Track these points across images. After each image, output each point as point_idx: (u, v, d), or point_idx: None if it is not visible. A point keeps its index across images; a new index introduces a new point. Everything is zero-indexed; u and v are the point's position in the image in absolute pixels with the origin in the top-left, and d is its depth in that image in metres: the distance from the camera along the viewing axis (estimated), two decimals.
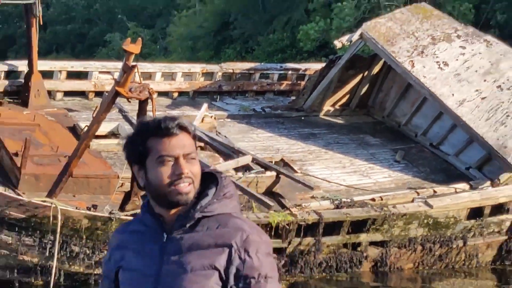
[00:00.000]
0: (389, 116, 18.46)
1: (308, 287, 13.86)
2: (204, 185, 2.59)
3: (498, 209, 14.65)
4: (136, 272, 2.56)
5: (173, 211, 2.54)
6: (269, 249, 2.57)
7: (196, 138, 2.68)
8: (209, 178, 2.67)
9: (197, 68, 19.85)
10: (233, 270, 2.40)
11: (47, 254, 12.30)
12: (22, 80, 17.00)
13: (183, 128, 2.53)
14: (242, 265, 2.40)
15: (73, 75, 18.27)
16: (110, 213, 12.28)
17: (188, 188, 2.46)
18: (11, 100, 16.44)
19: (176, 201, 2.46)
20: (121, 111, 14.87)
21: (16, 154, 12.80)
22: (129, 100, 12.50)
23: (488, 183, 14.85)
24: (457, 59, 16.82)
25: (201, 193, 2.57)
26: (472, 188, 14.75)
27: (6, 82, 17.07)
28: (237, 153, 14.92)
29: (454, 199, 14.25)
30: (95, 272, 12.90)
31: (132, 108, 13.79)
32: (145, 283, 2.52)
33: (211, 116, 17.13)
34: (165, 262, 2.50)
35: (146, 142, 2.48)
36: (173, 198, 2.44)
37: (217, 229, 2.50)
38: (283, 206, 13.39)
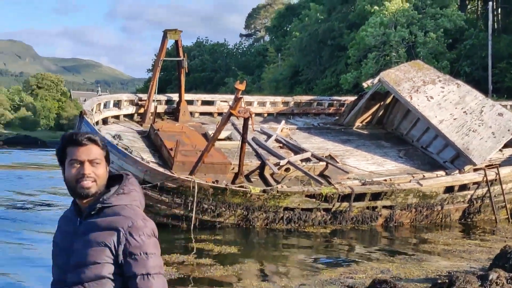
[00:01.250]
0: (396, 129, 21.13)
1: (344, 233, 16.28)
2: (115, 183, 3.12)
3: (462, 187, 17.61)
4: (58, 247, 3.13)
5: (85, 201, 3.05)
6: (152, 232, 3.00)
7: (105, 148, 3.12)
8: (120, 178, 3.18)
9: (278, 99, 22.40)
10: (121, 248, 2.87)
11: (188, 209, 15.45)
12: (175, 105, 19.83)
13: (92, 140, 3.06)
14: (128, 245, 2.87)
15: (204, 103, 21.02)
16: (226, 185, 15.49)
17: (90, 184, 2.98)
18: (169, 117, 19.60)
19: (80, 194, 2.99)
20: (233, 124, 17.99)
21: (171, 149, 16.09)
22: (238, 117, 16.19)
23: (457, 171, 17.91)
24: (438, 95, 19.47)
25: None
26: (447, 174, 17.86)
27: (166, 106, 20.01)
28: (302, 150, 18.06)
29: (436, 181, 17.45)
30: (218, 220, 16.02)
31: (239, 123, 17.03)
32: (61, 255, 3.06)
33: (287, 128, 19.98)
34: (75, 240, 3.01)
35: (65, 149, 3.04)
36: (79, 191, 2.97)
37: (112, 217, 2.97)
38: (329, 183, 16.55)
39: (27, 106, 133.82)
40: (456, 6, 46.28)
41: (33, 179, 32.71)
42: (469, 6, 58.53)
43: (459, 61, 42.34)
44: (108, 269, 2.88)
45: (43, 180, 31.76)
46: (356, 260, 12.94)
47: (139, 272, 2.85)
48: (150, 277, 2.86)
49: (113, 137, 16.55)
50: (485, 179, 17.48)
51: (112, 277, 2.90)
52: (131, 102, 19.55)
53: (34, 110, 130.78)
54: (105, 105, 18.75)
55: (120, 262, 2.88)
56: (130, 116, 19.27)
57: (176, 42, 19.15)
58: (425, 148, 19.74)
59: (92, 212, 2.98)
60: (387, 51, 42.40)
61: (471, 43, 43.32)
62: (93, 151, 3.00)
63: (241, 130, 16.19)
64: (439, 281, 9.67)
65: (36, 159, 53.29)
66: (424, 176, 17.70)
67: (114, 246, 2.88)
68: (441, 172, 18.06)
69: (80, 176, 2.94)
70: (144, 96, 19.64)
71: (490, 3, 44.02)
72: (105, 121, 18.34)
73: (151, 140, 17.78)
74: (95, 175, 2.97)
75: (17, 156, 56.53)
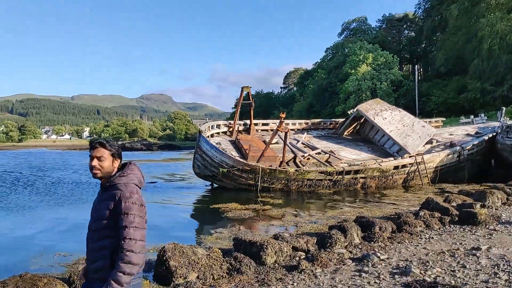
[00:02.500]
0: (366, 136, 20.39)
1: (340, 193, 15.63)
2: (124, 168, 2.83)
3: (403, 166, 17.26)
4: (92, 206, 2.88)
5: (102, 181, 2.81)
6: (135, 201, 2.68)
7: (112, 149, 2.80)
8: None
9: (302, 121, 21.94)
10: (115, 209, 2.64)
11: (256, 180, 15.27)
12: (248, 126, 19.30)
13: (101, 144, 2.78)
14: (118, 207, 2.63)
15: (263, 124, 20.61)
16: (275, 168, 15.47)
17: (95, 171, 2.75)
18: (244, 132, 19.09)
19: (93, 176, 2.77)
20: (279, 135, 17.32)
21: (247, 149, 16.15)
22: (281, 132, 15.80)
23: (400, 158, 17.46)
24: (389, 116, 19.21)
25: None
26: (394, 159, 17.44)
27: (243, 126, 19.38)
28: (316, 148, 17.92)
29: (389, 162, 17.05)
30: (271, 186, 15.62)
31: (282, 135, 16.50)
32: (92, 212, 2.83)
33: (307, 137, 19.61)
34: (97, 203, 2.81)
35: (90, 148, 2.82)
36: (92, 175, 2.78)
37: (114, 190, 2.70)
38: (331, 165, 16.48)
39: (170, 128, 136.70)
40: (397, 67, 46.03)
41: (173, 166, 33.29)
42: (404, 68, 58.04)
43: (399, 98, 42.47)
44: (109, 222, 2.69)
45: (178, 166, 32.29)
46: (346, 206, 12.83)
47: (122, 225, 2.63)
48: (127, 229, 2.62)
49: (217, 143, 16.40)
50: (415, 161, 17.25)
51: (111, 227, 2.69)
52: (225, 125, 19.45)
53: (173, 130, 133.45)
54: (212, 127, 18.75)
55: (115, 217, 2.67)
56: (224, 133, 19.09)
57: (248, 92, 19.10)
58: (382, 145, 19.31)
59: (105, 188, 2.81)
60: (360, 94, 42.42)
61: (406, 88, 43.40)
62: (100, 151, 2.79)
63: (283, 138, 16.06)
64: (392, 216, 9.76)
65: (174, 156, 54.54)
66: (382, 160, 17.28)
67: (112, 207, 2.69)
68: (391, 158, 17.66)
69: (91, 166, 2.78)
70: (231, 122, 19.57)
71: (416, 66, 44.12)
72: (212, 135, 18.21)
73: (236, 145, 17.63)
74: (100, 166, 2.77)
75: (165, 155, 57.81)
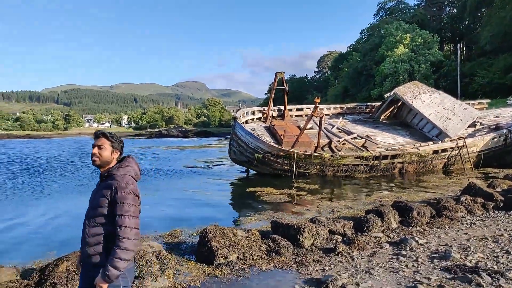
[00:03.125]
0: (403, 120, 19.96)
1: (376, 178, 15.50)
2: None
3: (444, 150, 16.84)
4: (91, 195, 2.99)
5: (101, 170, 2.93)
6: (130, 191, 2.78)
7: (111, 139, 2.92)
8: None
9: (337, 105, 21.58)
10: (112, 199, 2.76)
11: (291, 166, 15.29)
12: (282, 111, 19.22)
13: (103, 135, 2.91)
14: (115, 196, 2.74)
15: (297, 109, 20.37)
16: (310, 153, 15.42)
17: (94, 158, 2.88)
18: (279, 118, 18.97)
19: (93, 164, 2.89)
20: (313, 121, 17.26)
21: (281, 135, 16.12)
22: (316, 117, 15.48)
23: (440, 142, 17.04)
24: (428, 99, 18.66)
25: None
26: (434, 143, 17.02)
27: (277, 112, 19.26)
28: (351, 133, 17.71)
29: (428, 147, 16.70)
30: (307, 171, 15.61)
31: (317, 120, 16.14)
32: (90, 199, 2.93)
33: (343, 121, 19.42)
34: (95, 192, 2.92)
35: (95, 139, 2.93)
36: (92, 163, 2.90)
37: (110, 180, 2.81)
38: (367, 150, 16.34)
39: (204, 115, 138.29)
40: (437, 47, 44.00)
41: (209, 152, 33.66)
42: (445, 47, 55.51)
43: (439, 79, 40.77)
44: (105, 210, 2.81)
45: (214, 152, 32.61)
46: (383, 191, 12.70)
47: (118, 213, 2.76)
48: (123, 217, 2.75)
49: (251, 129, 16.45)
50: (457, 145, 16.76)
51: (107, 215, 2.81)
52: (260, 111, 19.43)
53: (208, 117, 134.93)
54: (247, 113, 18.77)
55: (112, 206, 2.79)
56: (259, 119, 19.09)
57: (281, 78, 18.94)
58: (421, 129, 18.84)
59: (103, 177, 2.93)
60: (397, 76, 41.22)
61: (447, 69, 41.55)
62: (102, 141, 2.92)
63: (318, 123, 15.97)
64: (431, 201, 9.62)
65: (209, 142, 55.20)
66: (421, 144, 16.88)
67: (109, 196, 2.80)
68: (431, 142, 17.22)
69: (91, 154, 2.91)
70: (266, 108, 19.55)
71: (458, 44, 42.09)
72: (247, 121, 18.28)
73: (270, 130, 17.60)
74: (99, 155, 2.90)
75: (201, 141, 58.63)
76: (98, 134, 2.96)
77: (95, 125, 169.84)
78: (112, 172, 2.89)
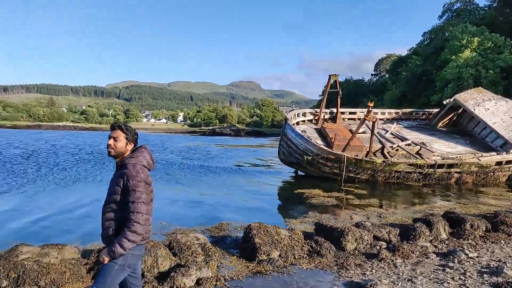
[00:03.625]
0: (464, 128, 19.21)
1: (430, 187, 14.97)
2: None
3: (509, 162, 16.02)
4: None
5: (116, 160, 3.07)
6: (141, 179, 2.93)
7: (125, 131, 3.05)
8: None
9: (392, 110, 20.99)
10: (124, 186, 2.92)
11: (341, 170, 14.98)
12: (334, 114, 18.92)
13: (119, 127, 3.03)
14: (128, 185, 2.90)
15: (351, 113, 19.95)
16: (362, 158, 15.09)
17: (109, 150, 3.02)
18: (330, 121, 18.84)
19: (108, 155, 3.04)
20: (366, 125, 16.79)
21: (332, 138, 15.94)
22: (369, 121, 15.21)
23: (505, 153, 16.20)
24: (492, 107, 17.90)
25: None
26: (497, 154, 16.21)
27: (329, 115, 19.07)
28: (406, 139, 17.16)
29: (490, 157, 15.89)
30: (357, 176, 15.31)
31: (370, 124, 15.79)
32: (109, 187, 3.06)
33: (397, 127, 18.92)
34: (112, 179, 3.07)
35: (111, 131, 3.06)
36: (107, 153, 3.05)
37: (124, 169, 2.96)
38: (422, 158, 15.69)
39: (257, 115, 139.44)
40: (508, 52, 41.03)
41: (259, 151, 34.06)
42: None
43: (510, 86, 38.06)
44: (118, 197, 2.99)
45: (264, 152, 32.88)
46: (435, 201, 12.27)
47: (130, 200, 2.92)
48: (135, 203, 2.92)
49: (302, 131, 16.42)
50: None
51: (119, 201, 2.98)
52: (311, 113, 19.34)
53: (261, 117, 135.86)
54: (298, 115, 18.75)
55: (124, 193, 2.96)
56: (310, 121, 19.00)
57: (335, 81, 18.72)
58: (483, 139, 17.93)
59: (118, 166, 3.09)
60: (461, 82, 39.13)
61: None
62: (117, 133, 3.07)
63: (370, 128, 15.69)
64: (488, 214, 9.17)
65: (260, 142, 55.62)
66: (482, 155, 16.06)
67: (121, 185, 2.97)
68: (494, 153, 16.34)
69: (107, 145, 3.07)
70: (318, 110, 19.41)
71: None
72: (298, 123, 18.25)
73: (321, 133, 17.50)
74: (114, 146, 3.05)
75: (252, 141, 59.23)
76: (114, 126, 3.11)
77: (152, 120, 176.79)
78: (125, 161, 3.05)
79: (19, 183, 13.40)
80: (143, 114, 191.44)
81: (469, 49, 41.01)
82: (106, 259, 2.95)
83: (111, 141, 3.05)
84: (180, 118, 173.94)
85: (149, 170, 3.11)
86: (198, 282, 4.99)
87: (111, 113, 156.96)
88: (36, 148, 29.64)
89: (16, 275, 4.66)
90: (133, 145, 3.14)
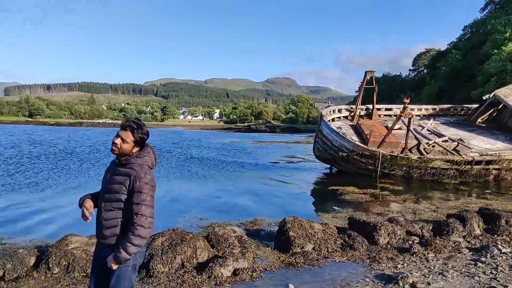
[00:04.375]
0: (504, 124, 18.74)
1: (467, 184, 14.68)
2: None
3: None
4: (104, 178, 3.05)
5: (120, 157, 2.97)
6: (148, 181, 2.89)
7: (135, 134, 2.93)
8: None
9: (429, 106, 20.73)
10: (131, 187, 2.86)
11: (376, 166, 14.87)
12: (370, 111, 18.88)
13: (130, 128, 2.93)
14: (134, 186, 2.84)
15: (387, 109, 19.97)
16: (397, 154, 14.90)
17: (114, 148, 2.93)
18: (366, 117, 18.69)
19: (112, 151, 2.96)
20: (402, 121, 17.02)
21: (368, 134, 16.01)
22: (405, 117, 15.06)
23: None
24: None
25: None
26: None
27: (365, 111, 19.14)
28: (443, 136, 16.97)
29: None
30: (392, 173, 15.20)
31: (406, 120, 16.23)
32: (105, 182, 3.01)
33: (434, 123, 18.72)
34: (109, 176, 3.00)
35: (121, 129, 2.95)
36: (111, 150, 2.96)
37: (129, 169, 2.90)
38: (459, 154, 15.47)
39: (292, 111, 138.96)
40: None
41: (295, 148, 34.05)
42: None
43: None
44: (123, 197, 2.91)
45: (300, 149, 32.88)
46: (471, 198, 12.04)
47: (135, 201, 2.85)
48: (140, 205, 2.85)
49: (337, 128, 16.46)
50: None
51: (124, 202, 2.92)
52: (347, 109, 19.30)
53: (296, 113, 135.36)
54: (333, 111, 18.73)
55: (129, 194, 2.89)
56: (345, 117, 18.98)
57: (371, 77, 18.57)
58: None
59: (121, 164, 2.97)
60: (504, 76, 37.52)
61: None
62: (127, 134, 2.94)
63: (406, 124, 15.52)
64: None
65: (295, 138, 55.54)
66: None
67: (127, 185, 2.88)
68: None
69: (113, 143, 2.93)
70: (353, 106, 19.36)
71: None
72: (333, 119, 18.25)
73: (356, 129, 17.47)
74: (120, 146, 2.92)
75: (287, 137, 59.20)
76: (125, 127, 2.98)
77: (189, 117, 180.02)
78: (131, 161, 2.96)
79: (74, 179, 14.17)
80: (180, 111, 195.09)
81: None
82: (114, 266, 2.91)
83: (118, 141, 2.95)
84: (216, 115, 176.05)
85: (151, 169, 3.08)
86: (235, 272, 5.18)
87: (149, 110, 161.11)
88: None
89: (66, 263, 4.99)
90: (138, 148, 3.04)
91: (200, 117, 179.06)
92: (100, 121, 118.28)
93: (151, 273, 5.07)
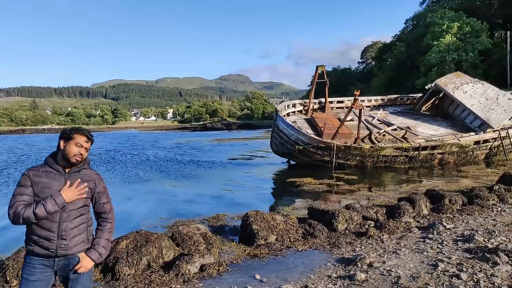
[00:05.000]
0: (445, 111, 19.71)
1: (416, 169, 15.54)
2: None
3: (486, 141, 16.76)
4: (51, 189, 2.75)
5: (70, 166, 2.86)
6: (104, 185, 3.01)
7: (90, 138, 2.93)
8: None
9: (378, 97, 21.41)
10: (95, 190, 2.95)
11: (331, 157, 15.28)
12: (323, 104, 19.36)
13: (92, 140, 2.94)
14: (100, 188, 2.96)
15: (338, 102, 20.38)
16: (350, 145, 15.42)
17: (78, 159, 2.85)
18: (319, 111, 19.22)
19: (74, 163, 2.83)
20: (353, 113, 17.30)
21: (322, 127, 16.38)
22: (356, 109, 15.46)
23: (482, 132, 16.88)
24: (470, 90, 18.47)
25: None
26: (476, 134, 16.91)
27: (318, 105, 19.50)
28: (392, 125, 17.74)
29: (469, 138, 16.57)
30: (346, 163, 15.78)
31: (357, 112, 16.46)
32: (52, 190, 2.76)
33: (383, 113, 19.46)
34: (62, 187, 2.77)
35: (73, 134, 2.85)
36: (73, 161, 2.82)
37: (88, 175, 2.93)
38: (407, 141, 16.23)
39: (247, 107, 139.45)
40: (485, 35, 42.00)
41: (252, 144, 34.23)
42: (496, 35, 52.78)
43: (488, 69, 39.02)
44: (88, 201, 2.97)
45: (257, 144, 33.08)
46: (420, 180, 12.83)
47: (106, 201, 3.01)
48: (109, 204, 3.02)
49: (292, 122, 16.75)
50: (499, 136, 16.50)
51: (87, 205, 2.98)
52: (301, 104, 19.67)
53: (251, 109, 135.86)
54: (288, 106, 19.05)
55: (94, 196, 2.97)
56: (300, 111, 19.33)
57: (322, 71, 19.04)
58: (463, 120, 18.60)
59: (72, 172, 2.89)
60: (444, 66, 39.96)
61: (496, 57, 39.71)
62: (89, 145, 2.95)
63: (358, 115, 16.03)
64: (465, 190, 9.76)
65: (252, 134, 55.82)
66: (462, 135, 16.71)
67: (92, 189, 2.96)
68: (472, 133, 17.02)
69: (79, 154, 2.86)
70: (307, 101, 19.75)
71: (509, 32, 40.01)
72: (288, 114, 18.59)
73: (311, 123, 17.86)
74: (83, 157, 2.91)
75: (244, 134, 59.39)
76: (91, 139, 2.99)
77: (142, 118, 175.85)
78: (84, 166, 2.99)
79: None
80: (132, 112, 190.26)
81: (450, 34, 41.78)
82: (91, 265, 3.01)
83: (83, 151, 2.92)
84: (170, 115, 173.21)
85: None
86: (202, 268, 5.29)
87: (98, 113, 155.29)
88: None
89: None
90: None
91: (153, 118, 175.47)
92: (46, 127, 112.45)
93: (117, 276, 5.07)
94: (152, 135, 64.34)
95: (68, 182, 2.85)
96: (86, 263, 2.89)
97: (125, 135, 65.03)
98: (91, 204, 3.00)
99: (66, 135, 2.89)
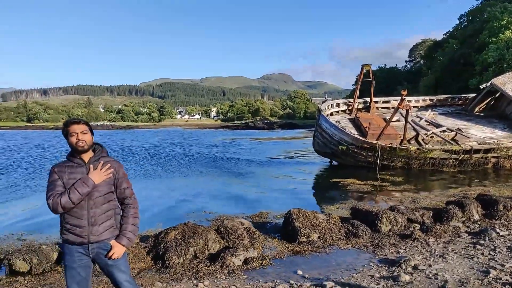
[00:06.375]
0: (502, 112, 18.76)
1: (466, 172, 14.95)
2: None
3: None
4: (76, 179, 2.93)
5: (86, 155, 3.02)
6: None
7: (89, 125, 3.03)
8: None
9: (427, 97, 20.74)
10: (117, 176, 3.09)
11: (375, 158, 15.13)
12: (368, 104, 19.16)
13: (83, 122, 3.00)
14: (120, 174, 3.10)
15: (384, 102, 20.02)
16: (396, 146, 15.12)
17: (82, 144, 2.94)
18: (364, 110, 18.94)
19: (81, 150, 2.95)
20: (400, 113, 17.10)
21: (366, 127, 16.13)
22: (403, 109, 15.19)
23: None
24: None
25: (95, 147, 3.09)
26: None
27: (363, 104, 19.33)
28: (441, 126, 17.18)
29: None
30: (391, 164, 15.48)
31: (404, 112, 16.17)
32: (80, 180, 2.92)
33: (432, 114, 18.86)
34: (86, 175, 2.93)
35: (65, 128, 2.97)
36: (79, 149, 2.94)
37: (105, 162, 3.04)
38: (457, 143, 15.75)
39: (290, 107, 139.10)
40: None
41: (294, 144, 34.30)
42: None
43: None
44: (112, 188, 3.09)
45: (299, 144, 33.12)
46: (470, 186, 12.33)
47: (127, 186, 3.13)
48: (130, 189, 3.14)
49: (336, 121, 16.63)
50: None
51: (113, 191, 3.10)
52: (345, 103, 19.49)
53: (293, 109, 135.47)
54: (331, 106, 18.91)
55: (116, 182, 3.09)
56: (344, 111, 19.16)
57: (368, 70, 18.75)
58: None
59: (95, 160, 3.05)
60: (502, 64, 37.76)
61: None
62: (83, 127, 2.99)
63: (404, 116, 15.68)
64: None
65: (294, 134, 55.73)
66: None
67: (114, 175, 3.09)
68: None
69: (78, 141, 2.96)
70: (351, 100, 19.53)
71: None
72: (331, 114, 18.45)
73: (355, 123, 17.66)
74: (85, 139, 2.98)
75: (286, 133, 59.41)
76: (79, 121, 3.06)
77: (186, 116, 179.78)
78: (102, 155, 3.13)
79: None
80: (177, 110, 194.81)
81: (510, 29, 39.44)
82: (122, 251, 3.17)
83: (81, 135, 3.01)
84: (213, 113, 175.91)
85: None
86: (246, 261, 5.47)
87: (146, 110, 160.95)
88: None
89: None
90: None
91: (198, 116, 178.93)
92: (98, 123, 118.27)
93: (167, 264, 5.38)
94: (196, 132, 65.82)
95: (92, 166, 3.02)
96: (118, 250, 3.06)
97: (171, 132, 66.97)
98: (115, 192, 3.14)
99: (63, 132, 3.05)
